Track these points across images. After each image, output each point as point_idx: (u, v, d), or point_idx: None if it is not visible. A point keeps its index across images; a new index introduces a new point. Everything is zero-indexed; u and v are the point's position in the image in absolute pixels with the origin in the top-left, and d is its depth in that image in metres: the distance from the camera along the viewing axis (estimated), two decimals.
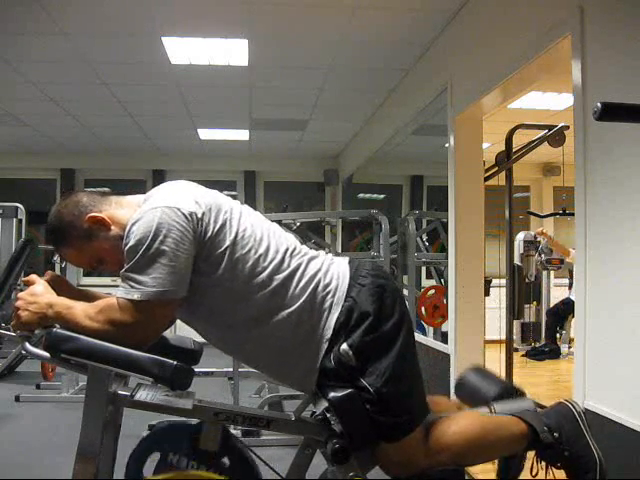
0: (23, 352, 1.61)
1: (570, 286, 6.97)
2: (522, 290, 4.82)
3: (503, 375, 4.47)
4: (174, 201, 1.53)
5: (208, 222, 1.54)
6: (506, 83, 3.06)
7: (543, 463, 1.71)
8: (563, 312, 6.87)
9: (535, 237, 7.26)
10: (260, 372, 1.76)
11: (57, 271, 6.58)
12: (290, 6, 3.66)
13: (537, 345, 7.09)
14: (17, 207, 6.76)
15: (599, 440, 1.71)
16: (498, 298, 4.61)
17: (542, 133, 4.56)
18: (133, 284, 1.47)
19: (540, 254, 7.09)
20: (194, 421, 1.57)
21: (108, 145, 7.65)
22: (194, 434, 1.56)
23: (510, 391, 1.84)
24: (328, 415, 1.55)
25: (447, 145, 3.83)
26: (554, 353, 6.83)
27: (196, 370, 1.54)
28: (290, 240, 1.68)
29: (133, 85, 5.20)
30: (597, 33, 2.23)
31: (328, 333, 1.56)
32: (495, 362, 4.51)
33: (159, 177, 8.10)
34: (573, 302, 2.48)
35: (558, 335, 7.06)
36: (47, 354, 1.47)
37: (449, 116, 3.77)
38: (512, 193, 4.55)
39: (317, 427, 1.58)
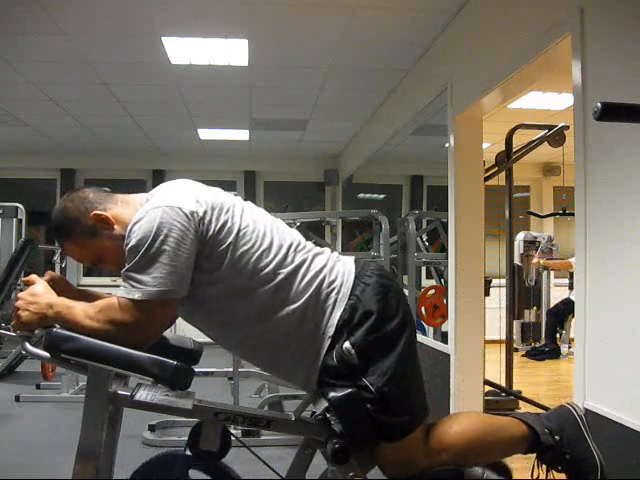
0: (23, 352, 1.61)
1: (570, 286, 6.97)
2: (522, 290, 4.84)
3: (503, 375, 4.49)
4: (175, 200, 1.53)
5: (210, 221, 1.54)
6: (506, 83, 3.06)
7: (544, 466, 1.71)
8: (563, 312, 6.88)
9: (535, 237, 7.26)
10: (261, 369, 1.76)
11: (57, 271, 6.58)
12: (290, 6, 3.66)
13: (537, 345, 7.10)
14: (17, 207, 6.76)
15: (599, 440, 1.70)
16: (498, 298, 4.62)
17: (542, 133, 4.57)
18: (134, 284, 1.47)
19: (539, 262, 7.08)
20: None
21: (108, 145, 7.65)
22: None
23: None
24: (328, 415, 1.54)
25: (447, 145, 3.83)
26: (554, 353, 6.84)
27: (196, 370, 1.53)
28: (294, 235, 1.68)
29: (133, 85, 5.20)
30: (597, 33, 2.23)
31: (330, 330, 1.56)
32: (495, 362, 4.52)
33: (159, 177, 8.10)
34: (573, 302, 2.48)
35: (558, 335, 7.06)
36: (47, 354, 1.47)
37: (449, 116, 3.77)
38: (512, 193, 4.57)
39: (317, 427, 1.58)
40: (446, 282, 4.20)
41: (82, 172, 8.38)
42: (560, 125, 4.43)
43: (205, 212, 1.54)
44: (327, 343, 1.56)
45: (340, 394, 1.51)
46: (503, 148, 4.53)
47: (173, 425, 3.84)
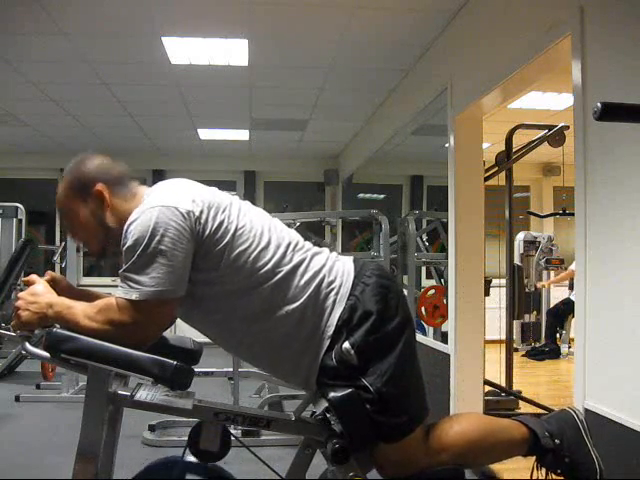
0: (23, 352, 1.61)
1: (570, 286, 6.98)
2: (522, 289, 4.84)
3: (503, 375, 4.49)
4: (171, 200, 1.52)
5: (206, 220, 1.54)
6: (506, 83, 3.06)
7: (543, 469, 1.71)
8: (563, 312, 6.88)
9: (535, 237, 7.27)
10: (260, 369, 1.76)
11: (57, 271, 6.58)
12: (290, 6, 3.66)
13: (537, 345, 7.10)
14: (17, 207, 6.76)
15: (599, 440, 1.71)
16: (498, 298, 4.62)
17: (542, 133, 4.57)
18: (132, 284, 1.47)
19: (539, 262, 7.08)
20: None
21: (108, 145, 7.64)
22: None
23: None
24: (328, 415, 1.54)
25: (447, 145, 3.83)
26: (554, 353, 6.84)
27: (196, 370, 1.53)
28: (292, 235, 1.68)
29: (133, 85, 5.20)
30: (597, 33, 2.23)
31: (330, 330, 1.56)
32: (495, 362, 4.52)
33: (159, 177, 8.09)
34: (573, 302, 2.48)
35: (558, 335, 7.06)
36: (47, 354, 1.47)
37: (449, 116, 3.77)
38: (512, 193, 4.57)
39: (317, 427, 1.58)
40: (446, 282, 4.20)
41: None
42: (560, 125, 4.43)
43: (201, 211, 1.54)
44: (326, 343, 1.56)
45: (340, 394, 1.51)
46: (503, 148, 4.53)
47: (173, 425, 3.84)
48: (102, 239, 1.66)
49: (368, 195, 8.96)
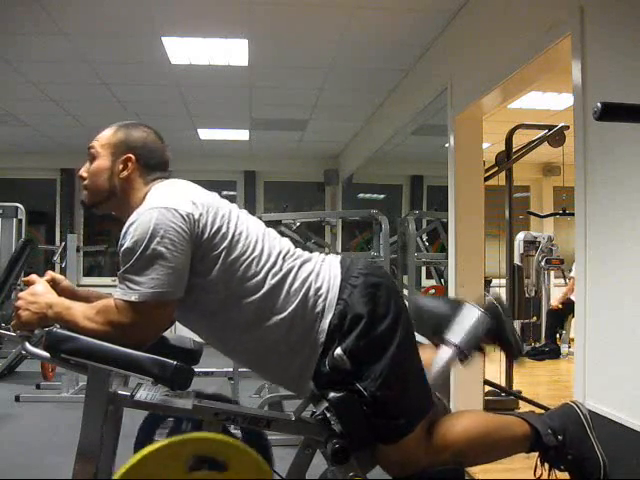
0: (23, 352, 1.61)
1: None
2: (522, 289, 4.84)
3: (503, 375, 4.49)
4: (171, 202, 1.52)
5: (205, 224, 1.54)
6: (506, 83, 3.06)
7: (546, 465, 1.70)
8: (563, 312, 6.87)
9: (535, 237, 7.26)
10: (255, 374, 1.76)
11: (57, 271, 6.57)
12: (290, 6, 3.66)
13: (537, 345, 7.09)
14: (17, 207, 6.76)
15: (599, 440, 1.70)
16: None
17: (542, 133, 4.57)
18: (131, 285, 1.47)
19: (539, 263, 7.07)
20: None
21: None
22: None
23: (455, 307, 1.78)
24: (328, 415, 1.54)
25: (447, 145, 3.83)
26: (554, 353, 6.83)
27: (196, 370, 1.53)
28: (283, 243, 1.67)
29: (133, 85, 5.21)
30: (597, 33, 2.23)
31: (322, 337, 1.55)
32: (495, 362, 4.51)
33: None
34: (573, 302, 2.48)
35: (558, 335, 7.06)
36: (47, 354, 1.47)
37: (449, 116, 3.77)
38: (512, 193, 4.57)
39: (317, 427, 1.58)
40: (446, 282, 4.20)
41: None
42: (560, 125, 4.43)
43: (201, 215, 1.54)
44: (319, 350, 1.55)
45: (340, 394, 1.51)
46: (503, 148, 4.53)
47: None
48: (101, 196, 1.68)
49: (368, 195, 8.97)
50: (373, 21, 3.84)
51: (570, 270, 6.86)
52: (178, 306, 1.55)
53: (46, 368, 5.23)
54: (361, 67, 4.74)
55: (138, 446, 1.62)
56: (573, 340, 2.57)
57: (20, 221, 6.79)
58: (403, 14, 3.74)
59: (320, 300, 1.57)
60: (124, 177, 1.66)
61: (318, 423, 1.58)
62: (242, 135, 7.16)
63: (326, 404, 1.52)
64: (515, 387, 4.56)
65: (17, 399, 4.71)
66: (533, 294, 7.12)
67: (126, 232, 1.50)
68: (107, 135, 1.71)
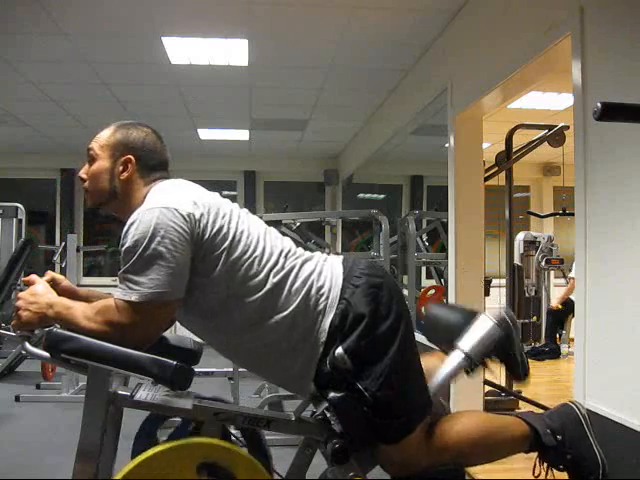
0: (23, 352, 1.62)
1: None
2: (522, 289, 4.84)
3: (503, 375, 4.48)
4: (172, 202, 1.52)
5: (206, 224, 1.54)
6: (506, 83, 3.06)
7: (545, 465, 1.71)
8: (563, 312, 6.87)
9: (535, 237, 7.26)
10: (256, 375, 1.76)
11: (57, 271, 6.57)
12: (290, 6, 3.66)
13: (537, 345, 7.09)
14: (17, 207, 6.75)
15: (599, 440, 1.70)
16: (498, 298, 4.62)
17: (542, 133, 4.57)
18: (131, 285, 1.47)
19: (539, 262, 7.07)
20: None
21: None
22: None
23: (469, 317, 1.78)
24: (328, 415, 1.54)
25: (447, 145, 3.83)
26: (554, 353, 6.83)
27: (196, 370, 1.53)
28: (285, 243, 1.67)
29: (133, 85, 5.20)
30: (597, 33, 2.23)
31: (323, 336, 1.55)
32: (495, 362, 4.51)
33: None
34: (573, 302, 2.48)
35: (558, 335, 7.06)
36: (47, 354, 1.47)
37: (449, 116, 3.77)
38: (512, 193, 4.57)
39: (317, 427, 1.58)
40: (446, 282, 4.20)
41: None
42: (560, 125, 4.43)
43: (202, 215, 1.54)
44: (320, 349, 1.55)
45: (340, 394, 1.51)
46: (503, 148, 4.53)
47: (173, 425, 3.83)
48: (103, 197, 1.69)
49: (368, 195, 8.97)
50: (373, 21, 3.84)
51: (570, 270, 6.87)
52: (179, 307, 1.55)
53: (46, 368, 5.23)
54: (361, 67, 4.74)
55: (136, 453, 1.62)
56: (573, 340, 2.57)
57: (20, 221, 6.78)
58: (403, 14, 3.74)
59: (322, 299, 1.57)
60: (124, 178, 1.66)
61: (318, 423, 1.58)
62: (242, 135, 7.16)
63: (326, 404, 1.52)
64: (515, 387, 4.56)
65: (17, 399, 4.71)
66: (533, 294, 7.12)
67: (127, 232, 1.50)
68: (106, 136, 1.71)
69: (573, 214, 2.39)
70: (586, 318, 2.27)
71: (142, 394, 1.51)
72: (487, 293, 4.06)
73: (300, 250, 1.69)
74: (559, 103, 5.30)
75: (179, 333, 1.85)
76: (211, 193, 1.67)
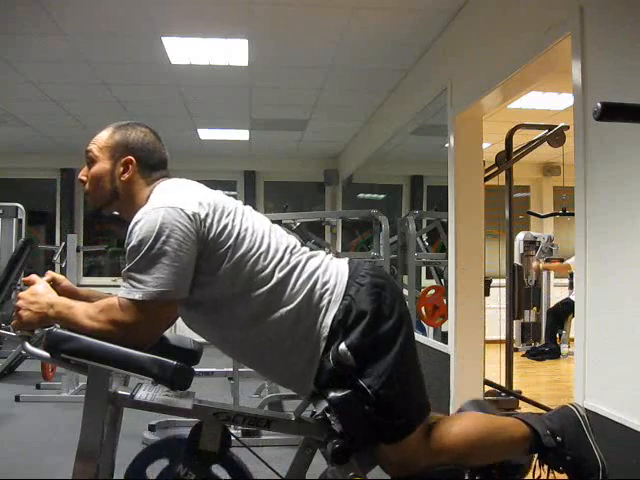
0: (23, 352, 1.62)
1: (570, 286, 6.97)
2: (522, 289, 4.84)
3: (503, 375, 4.49)
4: (178, 201, 1.53)
5: (211, 223, 1.55)
6: (506, 83, 3.06)
7: (545, 466, 1.71)
8: (563, 312, 6.88)
9: (535, 237, 7.27)
10: (257, 372, 1.76)
11: (57, 271, 6.57)
12: (290, 6, 3.66)
13: (537, 345, 7.10)
14: (17, 207, 6.76)
15: (599, 440, 1.70)
16: (498, 298, 4.62)
17: (542, 133, 4.57)
18: (135, 284, 1.47)
19: (539, 259, 7.08)
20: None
21: None
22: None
23: None
24: (328, 415, 1.54)
25: (447, 145, 3.83)
26: (554, 353, 6.83)
27: (196, 370, 1.53)
28: (290, 239, 1.69)
29: (133, 85, 5.21)
30: (597, 33, 2.23)
31: (325, 331, 1.56)
32: (495, 362, 4.52)
33: None
34: (573, 302, 2.48)
35: (558, 335, 7.06)
36: (47, 354, 1.47)
37: (449, 116, 3.77)
38: (512, 193, 4.57)
39: (317, 427, 1.58)
40: (446, 282, 4.20)
41: None
42: (560, 125, 4.43)
43: (207, 214, 1.54)
44: (322, 344, 1.55)
45: (340, 394, 1.51)
46: (503, 148, 4.53)
47: (173, 425, 3.84)
48: (105, 199, 1.69)
49: (368, 195, 8.96)
50: (373, 21, 3.84)
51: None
52: (182, 304, 1.55)
53: (46, 368, 5.23)
54: (361, 67, 4.74)
55: None
56: (573, 340, 2.57)
57: (20, 221, 6.79)
58: (403, 14, 3.74)
59: (326, 294, 1.58)
60: (126, 179, 1.66)
61: (318, 423, 1.58)
62: (242, 135, 7.16)
63: (326, 404, 1.52)
64: (515, 387, 4.57)
65: (17, 399, 4.70)
66: (533, 284, 7.13)
67: (132, 231, 1.50)
68: (104, 138, 1.71)
69: (573, 214, 2.39)
70: (586, 318, 2.27)
71: (142, 394, 1.52)
72: (487, 293, 4.06)
73: (305, 247, 1.70)
74: (559, 103, 5.30)
75: (179, 333, 1.85)
76: (214, 191, 1.68)
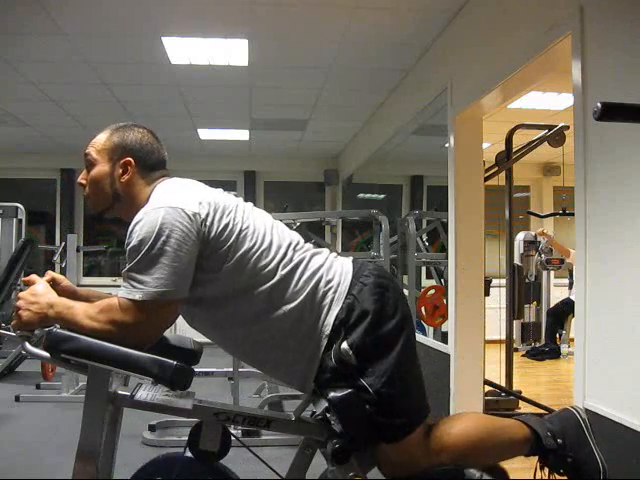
0: (23, 352, 1.61)
1: (570, 286, 6.98)
2: (522, 290, 4.84)
3: (503, 375, 4.49)
4: (178, 201, 1.53)
5: (212, 222, 1.55)
6: (506, 83, 3.06)
7: (546, 469, 1.70)
8: (563, 312, 6.88)
9: (535, 237, 7.26)
10: (260, 371, 1.76)
11: (57, 271, 6.57)
12: (290, 6, 3.66)
13: (537, 345, 7.10)
14: (17, 207, 6.75)
15: (599, 440, 1.70)
16: (498, 298, 4.62)
17: (542, 133, 4.57)
18: (135, 284, 1.47)
19: (540, 254, 7.09)
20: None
21: None
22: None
23: None
24: (328, 415, 1.54)
25: (447, 145, 3.83)
26: (554, 353, 6.84)
27: (196, 370, 1.53)
28: (293, 236, 1.69)
29: (133, 85, 5.20)
30: (597, 33, 2.23)
31: (327, 330, 1.56)
32: (495, 362, 4.52)
33: None
34: (573, 302, 2.48)
35: (558, 335, 7.06)
36: (47, 354, 1.47)
37: (449, 116, 3.77)
38: (512, 193, 4.57)
39: (317, 427, 1.58)
40: (446, 282, 4.20)
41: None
42: (560, 125, 4.44)
43: (207, 214, 1.54)
44: (324, 342, 1.56)
45: (340, 394, 1.51)
46: (503, 148, 4.53)
47: (173, 425, 3.84)
48: (106, 202, 1.69)
49: (368, 195, 8.96)
50: (373, 21, 3.84)
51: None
52: (184, 303, 1.55)
53: (46, 368, 5.23)
54: (361, 67, 4.74)
55: None
56: (573, 340, 2.57)
57: (20, 221, 6.78)
58: (403, 14, 3.74)
59: (330, 292, 1.58)
60: (125, 181, 1.66)
61: (318, 423, 1.58)
62: (242, 135, 7.16)
63: (326, 404, 1.52)
64: (515, 387, 4.57)
65: (17, 399, 4.71)
66: (533, 279, 7.13)
67: (132, 231, 1.50)
68: (102, 140, 1.70)
69: (573, 214, 2.39)
70: (586, 318, 2.27)
71: (142, 394, 1.52)
72: (487, 293, 4.05)
73: (308, 244, 1.70)
74: (559, 103, 5.30)
75: (179, 333, 1.85)
76: (214, 190, 1.68)
